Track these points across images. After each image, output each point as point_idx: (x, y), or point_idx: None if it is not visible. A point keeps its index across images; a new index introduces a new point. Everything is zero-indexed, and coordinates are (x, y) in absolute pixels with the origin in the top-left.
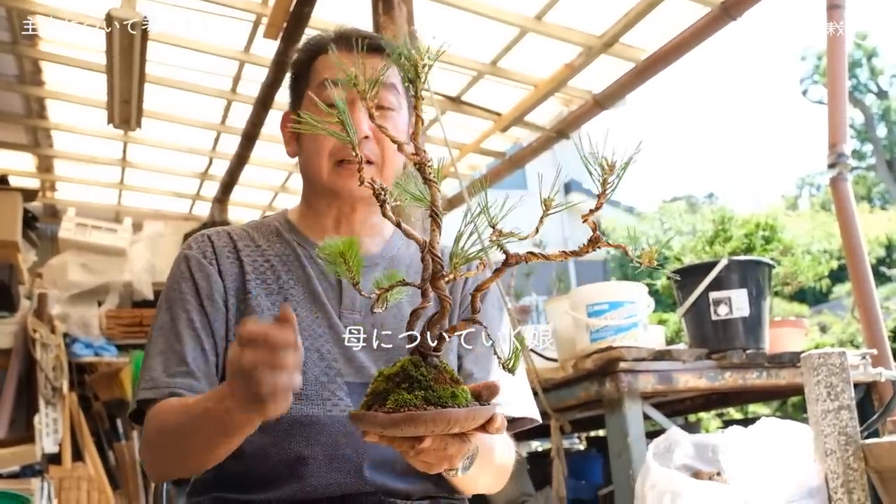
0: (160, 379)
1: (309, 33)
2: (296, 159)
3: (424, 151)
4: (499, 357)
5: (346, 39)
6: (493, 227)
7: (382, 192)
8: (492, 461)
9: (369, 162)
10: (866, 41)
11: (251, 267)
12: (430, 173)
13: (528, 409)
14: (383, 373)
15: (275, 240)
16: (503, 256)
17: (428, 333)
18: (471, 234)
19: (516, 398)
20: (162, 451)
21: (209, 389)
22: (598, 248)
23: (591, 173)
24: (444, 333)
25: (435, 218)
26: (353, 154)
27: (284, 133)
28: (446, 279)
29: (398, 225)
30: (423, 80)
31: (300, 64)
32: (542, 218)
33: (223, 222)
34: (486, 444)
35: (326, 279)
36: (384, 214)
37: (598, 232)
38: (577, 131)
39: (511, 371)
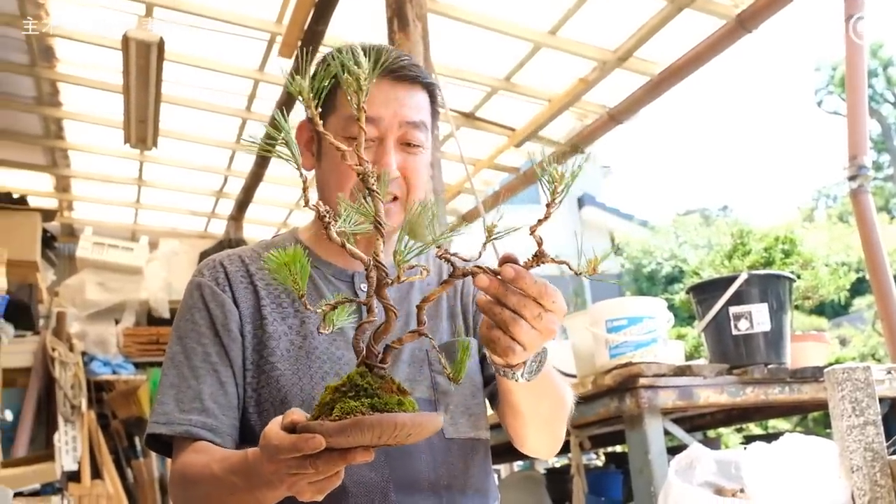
0: (173, 415)
1: (324, 52)
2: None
3: (367, 162)
4: (444, 367)
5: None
6: (438, 247)
7: (327, 215)
8: (551, 388)
9: (395, 198)
10: (882, 51)
11: (265, 291)
12: (372, 184)
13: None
14: (330, 386)
15: None
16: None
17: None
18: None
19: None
20: None
21: (228, 424)
22: (544, 262)
23: (541, 183)
24: (390, 345)
25: (379, 229)
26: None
27: (300, 143)
28: (390, 282)
29: (343, 246)
30: (364, 93)
31: (327, 78)
32: (484, 244)
33: (238, 240)
34: (548, 372)
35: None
36: (329, 237)
37: (542, 247)
38: (592, 145)
39: (455, 381)
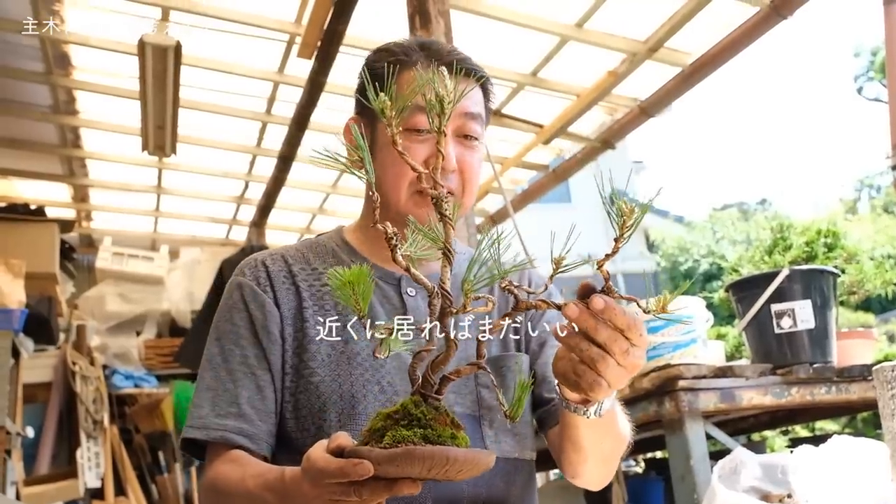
0: (209, 419)
1: (344, 51)
2: (333, 182)
3: (442, 186)
4: (501, 404)
5: (433, 56)
6: (503, 278)
7: (394, 238)
8: (616, 424)
9: (450, 193)
10: None
11: (308, 293)
12: (445, 210)
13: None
14: (382, 412)
15: (331, 261)
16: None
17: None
18: (483, 262)
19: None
20: None
21: (265, 431)
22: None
23: (609, 216)
24: (446, 376)
25: (447, 256)
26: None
27: (348, 141)
28: (455, 311)
29: (407, 270)
30: (447, 115)
31: (380, 73)
32: (551, 276)
33: (261, 247)
34: (613, 407)
35: (389, 302)
36: (394, 260)
37: (609, 282)
38: (623, 141)
39: (512, 420)
